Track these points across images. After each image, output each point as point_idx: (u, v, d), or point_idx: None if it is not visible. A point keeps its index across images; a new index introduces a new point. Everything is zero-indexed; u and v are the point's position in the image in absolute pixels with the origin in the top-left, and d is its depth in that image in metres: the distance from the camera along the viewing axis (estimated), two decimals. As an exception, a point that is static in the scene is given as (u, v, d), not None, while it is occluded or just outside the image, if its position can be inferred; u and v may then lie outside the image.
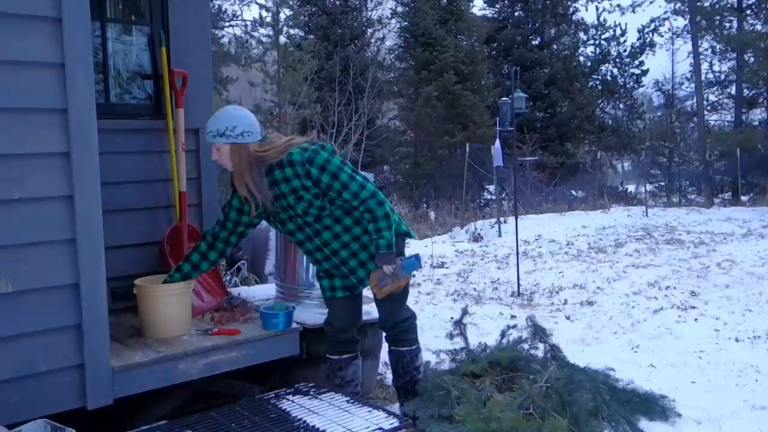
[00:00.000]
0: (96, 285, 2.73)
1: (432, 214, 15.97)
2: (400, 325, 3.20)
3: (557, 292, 6.71)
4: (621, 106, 26.66)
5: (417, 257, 3.12)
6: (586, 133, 25.08)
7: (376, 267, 2.99)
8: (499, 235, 10.82)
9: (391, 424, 2.74)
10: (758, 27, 23.74)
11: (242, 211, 3.06)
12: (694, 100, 25.79)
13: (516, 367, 3.28)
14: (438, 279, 7.48)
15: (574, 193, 19.45)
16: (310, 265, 3.73)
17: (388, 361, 3.41)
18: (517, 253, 7.39)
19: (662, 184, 24.01)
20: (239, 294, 4.09)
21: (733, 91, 25.01)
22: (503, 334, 3.68)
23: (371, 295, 3.21)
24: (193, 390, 3.26)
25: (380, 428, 2.70)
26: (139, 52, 4.00)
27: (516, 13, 25.60)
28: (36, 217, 2.61)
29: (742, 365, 4.31)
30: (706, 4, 24.87)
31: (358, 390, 3.30)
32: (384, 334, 3.31)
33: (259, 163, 2.87)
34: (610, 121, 26.02)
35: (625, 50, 26.29)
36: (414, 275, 3.14)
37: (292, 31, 21.20)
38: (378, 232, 2.93)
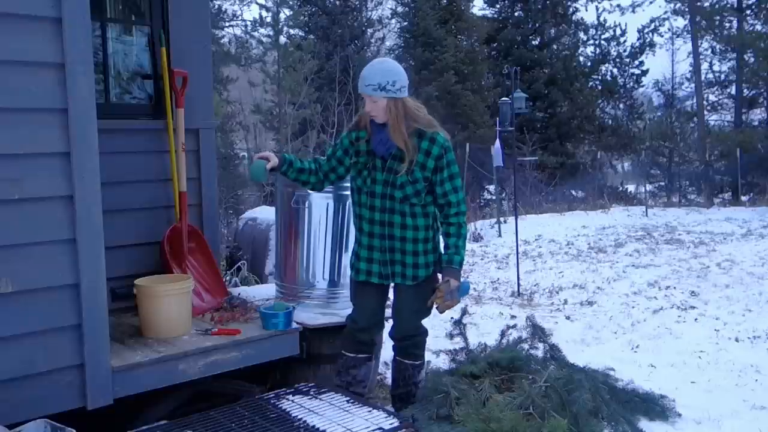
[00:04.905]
0: (96, 285, 2.74)
1: (432, 214, 15.90)
2: (413, 338, 3.21)
3: (557, 292, 6.71)
4: (621, 106, 26.58)
5: (468, 284, 3.19)
6: (586, 133, 25.03)
7: (443, 280, 3.00)
8: (499, 235, 10.81)
9: (391, 424, 2.74)
10: (758, 27, 23.67)
11: (347, 153, 3.09)
12: (694, 100, 25.72)
13: (515, 367, 3.28)
14: (438, 279, 7.47)
15: (574, 193, 19.42)
16: (311, 264, 3.74)
17: (390, 370, 3.41)
18: (517, 253, 7.40)
19: (662, 184, 23.96)
20: (239, 294, 4.08)
21: (733, 91, 24.95)
22: (503, 334, 3.68)
23: None
24: (193, 390, 3.26)
25: (380, 428, 2.70)
26: (139, 52, 4.00)
27: (516, 13, 25.52)
28: (36, 217, 2.61)
29: (742, 365, 4.32)
30: (706, 4, 24.82)
31: (365, 392, 3.31)
32: (392, 344, 3.30)
33: (409, 121, 2.93)
34: (610, 121, 25.95)
35: (625, 50, 26.22)
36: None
37: (292, 31, 21.16)
38: (456, 248, 3.00)
